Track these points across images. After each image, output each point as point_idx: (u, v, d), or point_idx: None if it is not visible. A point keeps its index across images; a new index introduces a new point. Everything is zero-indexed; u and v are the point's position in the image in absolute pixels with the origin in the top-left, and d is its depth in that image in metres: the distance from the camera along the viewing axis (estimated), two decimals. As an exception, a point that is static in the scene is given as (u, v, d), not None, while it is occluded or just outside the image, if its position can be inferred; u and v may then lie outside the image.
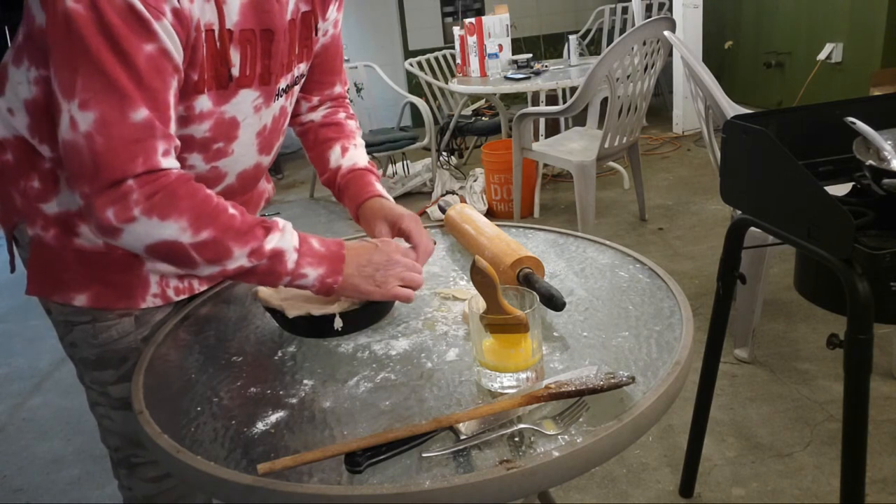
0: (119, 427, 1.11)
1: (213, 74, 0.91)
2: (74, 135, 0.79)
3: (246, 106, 0.98)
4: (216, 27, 0.88)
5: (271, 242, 0.88)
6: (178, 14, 0.81)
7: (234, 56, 0.92)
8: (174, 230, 0.83)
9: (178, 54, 0.83)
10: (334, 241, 0.95)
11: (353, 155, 1.20)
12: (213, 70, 0.90)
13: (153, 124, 0.81)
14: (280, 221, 0.91)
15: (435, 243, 1.08)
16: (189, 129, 0.94)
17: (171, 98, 0.84)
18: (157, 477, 1.14)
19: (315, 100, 1.23)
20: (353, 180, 1.17)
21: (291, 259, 0.89)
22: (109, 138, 0.79)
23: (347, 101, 1.29)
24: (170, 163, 0.84)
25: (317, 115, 1.24)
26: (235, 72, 0.93)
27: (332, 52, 1.19)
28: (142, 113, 0.80)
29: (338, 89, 1.25)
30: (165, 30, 0.80)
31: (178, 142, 0.86)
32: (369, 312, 0.99)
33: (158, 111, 0.82)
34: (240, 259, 0.86)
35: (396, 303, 1.06)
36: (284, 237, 0.89)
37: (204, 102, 0.92)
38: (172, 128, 0.85)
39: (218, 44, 0.89)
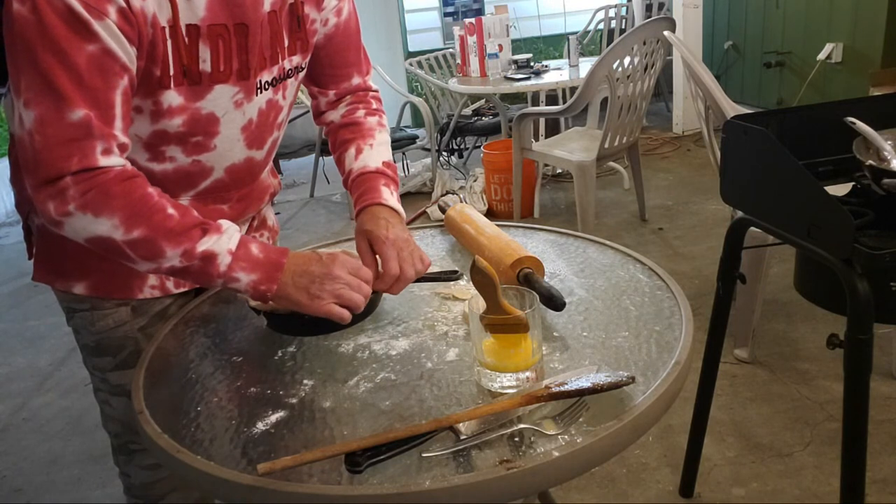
0: (118, 413, 1.14)
1: (181, 70, 0.91)
2: (21, 131, 0.82)
3: (224, 101, 0.97)
4: (174, 23, 0.88)
5: (204, 244, 0.87)
6: (124, 13, 0.82)
7: (204, 51, 0.91)
8: (107, 227, 0.85)
9: (125, 54, 0.84)
10: (279, 249, 0.93)
11: (365, 156, 1.13)
12: (180, 66, 0.90)
13: (91, 123, 0.82)
14: (224, 224, 0.91)
15: (417, 273, 0.99)
16: (161, 123, 0.94)
17: (118, 97, 0.85)
18: (154, 464, 1.16)
19: (331, 94, 1.19)
20: (358, 185, 1.11)
21: (224, 262, 0.88)
22: (46, 137, 0.81)
23: (371, 94, 1.22)
24: (110, 161, 0.85)
25: (336, 115, 1.19)
26: (206, 67, 0.93)
27: (341, 43, 1.14)
28: (79, 113, 0.81)
29: (356, 81, 1.19)
30: (108, 30, 0.81)
31: (123, 140, 0.87)
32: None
33: (100, 110, 0.83)
34: (172, 259, 0.87)
35: (396, 302, 1.06)
36: (221, 240, 0.89)
37: (173, 98, 0.92)
38: (118, 126, 0.86)
39: (186, 40, 0.89)
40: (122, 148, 0.87)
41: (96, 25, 0.80)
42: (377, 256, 0.99)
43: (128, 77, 0.85)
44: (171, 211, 0.88)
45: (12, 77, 0.83)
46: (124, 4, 0.81)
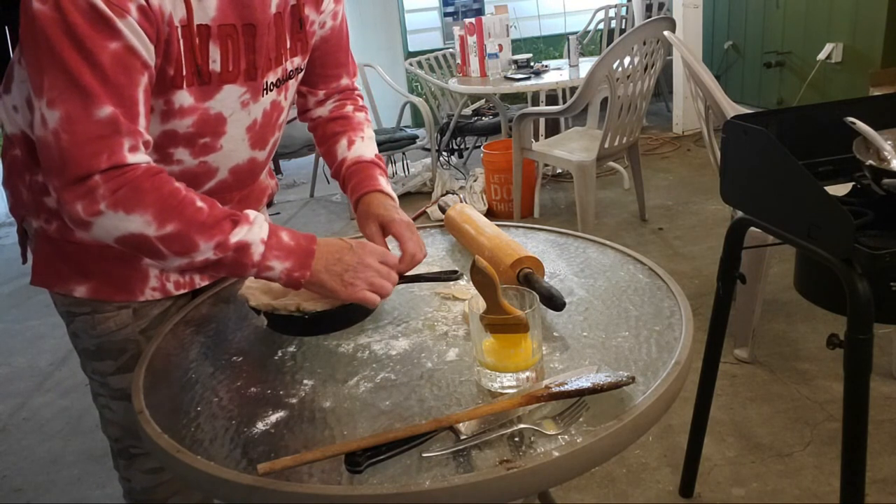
0: (118, 417, 1.13)
1: (193, 70, 0.91)
2: (44, 132, 0.81)
3: (232, 101, 0.98)
4: (188, 22, 0.88)
5: (237, 235, 0.88)
6: (144, 11, 0.82)
7: (214, 51, 0.92)
8: (140, 223, 0.84)
9: (146, 51, 0.84)
10: (306, 235, 0.94)
11: (358, 147, 1.18)
12: (191, 66, 0.90)
13: (118, 121, 0.82)
14: (251, 214, 0.91)
15: (425, 255, 1.05)
16: (171, 124, 0.94)
17: (141, 94, 0.85)
18: (155, 468, 1.15)
19: (321, 94, 1.22)
20: (356, 172, 1.15)
21: (258, 252, 0.89)
22: (74, 135, 0.80)
23: (357, 92, 1.27)
24: (137, 158, 0.85)
25: (325, 110, 1.23)
26: (216, 67, 0.93)
27: (334, 45, 1.17)
28: (106, 110, 0.81)
29: (345, 81, 1.24)
30: (130, 27, 0.81)
31: (147, 137, 0.86)
32: (353, 307, 0.97)
33: (125, 107, 0.83)
34: (206, 252, 0.87)
35: (396, 302, 1.06)
36: (252, 230, 0.89)
37: (184, 98, 0.92)
38: (142, 123, 0.85)
39: (196, 39, 0.89)
40: (146, 145, 0.87)
41: (119, 23, 0.80)
42: (387, 238, 1.06)
43: (148, 74, 0.85)
44: (200, 204, 0.88)
45: (32, 77, 0.82)
46: (144, 2, 0.81)
